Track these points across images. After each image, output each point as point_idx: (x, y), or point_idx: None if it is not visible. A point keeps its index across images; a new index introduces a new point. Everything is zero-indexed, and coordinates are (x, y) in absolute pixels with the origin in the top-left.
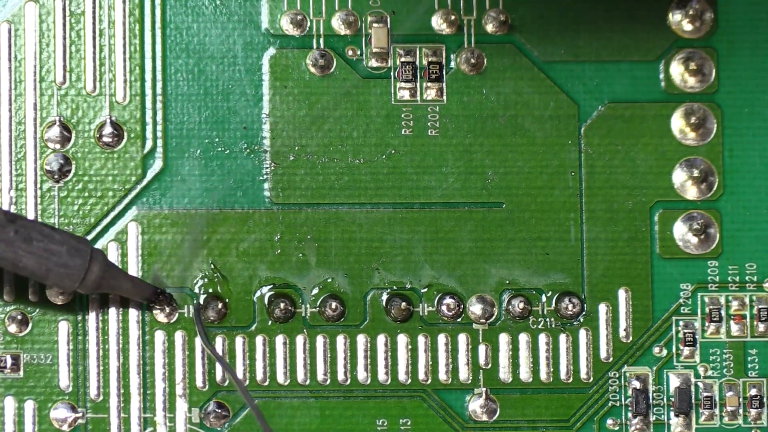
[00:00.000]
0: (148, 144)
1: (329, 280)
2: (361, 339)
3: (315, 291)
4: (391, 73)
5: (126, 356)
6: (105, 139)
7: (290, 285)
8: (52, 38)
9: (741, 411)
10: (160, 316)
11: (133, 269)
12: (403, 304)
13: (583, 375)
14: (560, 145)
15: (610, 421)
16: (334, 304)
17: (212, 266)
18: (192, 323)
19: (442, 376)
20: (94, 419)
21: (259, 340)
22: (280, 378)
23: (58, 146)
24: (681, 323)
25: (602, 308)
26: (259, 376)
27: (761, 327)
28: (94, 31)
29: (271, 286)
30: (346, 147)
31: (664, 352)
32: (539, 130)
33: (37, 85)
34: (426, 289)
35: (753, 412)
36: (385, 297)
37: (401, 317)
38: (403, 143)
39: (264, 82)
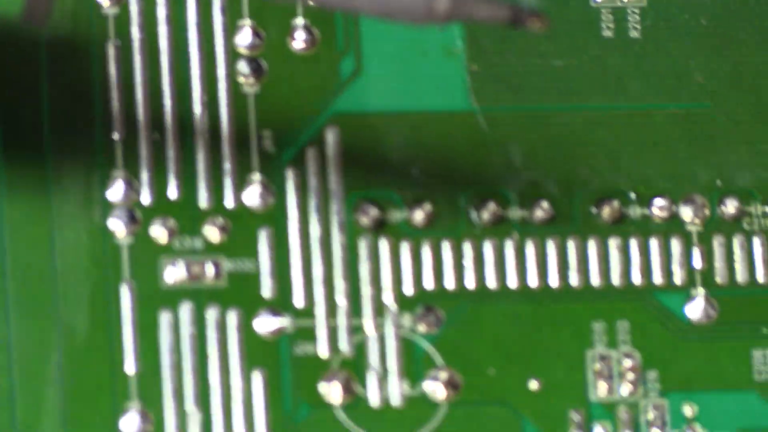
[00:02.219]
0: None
1: (537, 183)
2: (571, 243)
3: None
4: None
5: (330, 263)
6: (297, 44)
7: (498, 188)
8: None
9: None
10: (365, 219)
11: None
12: (615, 203)
13: None
14: None
15: None
16: (545, 205)
17: (416, 172)
18: (398, 227)
19: (658, 279)
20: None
21: (466, 245)
22: (491, 283)
23: (249, 51)
24: None
25: None
26: (469, 281)
27: None
28: None
29: (478, 189)
30: (546, 49)
31: None
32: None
33: None
34: (635, 193)
35: None
36: (594, 199)
37: (613, 219)
38: (605, 45)
39: None
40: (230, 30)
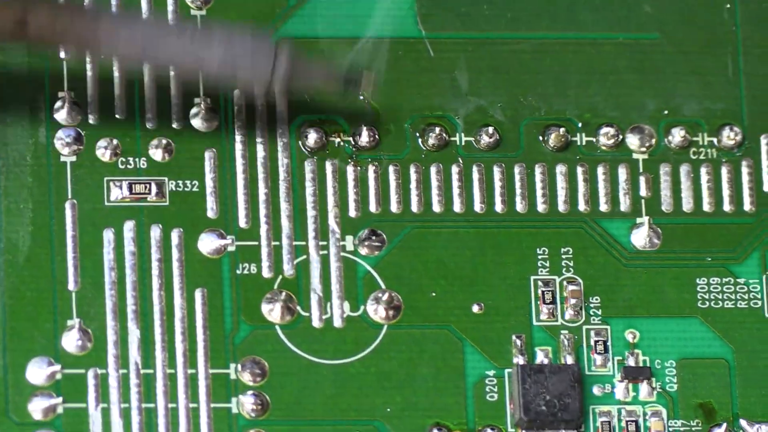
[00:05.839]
0: None
1: (483, 109)
2: (517, 168)
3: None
4: None
5: (275, 185)
6: None
7: (443, 114)
8: None
9: None
10: (310, 142)
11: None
12: (562, 130)
13: None
14: None
15: None
16: (491, 131)
17: (361, 96)
18: (342, 150)
19: (603, 206)
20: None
21: (412, 168)
22: (436, 207)
23: None
24: None
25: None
26: (414, 204)
27: None
28: None
29: (423, 114)
30: None
31: None
32: None
33: None
34: (581, 121)
35: None
36: (540, 126)
37: (559, 146)
38: None
39: None
40: None
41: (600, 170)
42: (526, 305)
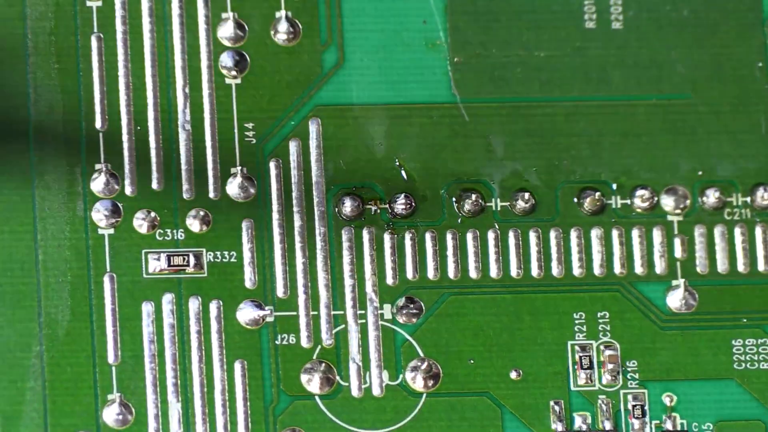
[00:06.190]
0: (325, 38)
1: (518, 174)
2: (553, 234)
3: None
4: None
5: (312, 254)
6: (280, 36)
7: (479, 179)
8: None
9: None
10: (347, 210)
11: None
12: (597, 193)
13: None
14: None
15: None
16: (527, 196)
17: (396, 162)
18: (378, 218)
19: (638, 269)
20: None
21: (448, 235)
22: (473, 273)
23: (232, 43)
24: None
25: None
26: (451, 271)
27: None
28: None
29: (459, 180)
30: (529, 40)
31: None
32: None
33: None
34: (616, 183)
35: None
36: (576, 190)
37: (594, 210)
38: (587, 37)
39: None
40: (213, 22)
41: (635, 233)
42: (563, 371)
